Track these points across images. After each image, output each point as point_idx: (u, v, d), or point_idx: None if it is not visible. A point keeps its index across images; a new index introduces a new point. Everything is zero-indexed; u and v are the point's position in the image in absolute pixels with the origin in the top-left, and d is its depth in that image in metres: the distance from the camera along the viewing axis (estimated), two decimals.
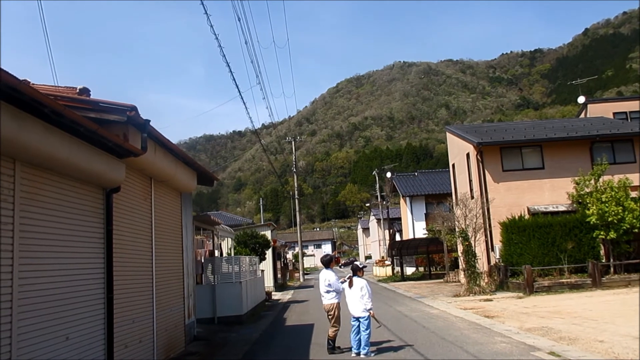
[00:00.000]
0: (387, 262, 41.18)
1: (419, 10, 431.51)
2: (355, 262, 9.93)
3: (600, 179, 19.19)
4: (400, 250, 35.39)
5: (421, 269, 38.43)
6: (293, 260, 57.56)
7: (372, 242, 67.02)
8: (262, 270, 24.27)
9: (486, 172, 22.10)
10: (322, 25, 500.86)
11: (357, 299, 9.26)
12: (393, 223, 45.78)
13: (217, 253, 18.89)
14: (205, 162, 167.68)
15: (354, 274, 9.54)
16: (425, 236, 34.21)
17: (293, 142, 48.81)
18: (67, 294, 5.85)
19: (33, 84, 7.06)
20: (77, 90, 7.79)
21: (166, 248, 10.11)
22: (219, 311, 15.34)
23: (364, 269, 9.91)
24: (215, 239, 18.87)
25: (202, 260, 15.94)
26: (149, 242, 9.02)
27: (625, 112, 27.74)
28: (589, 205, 18.60)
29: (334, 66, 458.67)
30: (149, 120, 7.18)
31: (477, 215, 21.17)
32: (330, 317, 9.78)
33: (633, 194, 18.77)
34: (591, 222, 18.49)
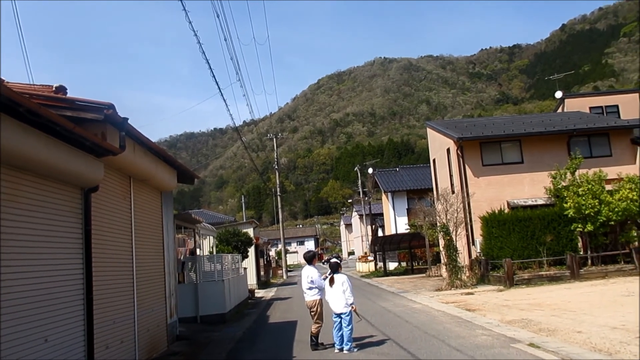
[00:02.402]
0: (370, 258, 41.38)
1: (400, 7, 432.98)
2: (333, 259, 9.91)
3: (577, 173, 19.51)
4: (382, 246, 35.59)
5: (404, 264, 38.71)
6: (276, 258, 57.50)
7: (355, 238, 67.29)
8: (245, 268, 24.20)
9: (466, 166, 22.31)
10: (303, 22, 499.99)
11: (339, 295, 9.29)
12: (375, 219, 45.99)
13: (199, 251, 18.77)
14: (186, 160, 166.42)
15: (335, 272, 9.55)
16: (407, 231, 34.44)
17: (274, 139, 48.69)
18: (45, 295, 5.76)
19: (7, 82, 6.92)
20: (54, 89, 7.66)
21: (147, 247, 10.01)
22: (202, 310, 15.26)
23: (341, 262, 9.97)
24: (197, 237, 18.74)
25: (184, 259, 15.82)
26: (129, 242, 8.92)
27: (602, 107, 28.22)
28: (567, 198, 18.90)
29: (315, 62, 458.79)
30: (127, 119, 7.09)
31: (458, 209, 21.38)
32: (313, 313, 9.79)
33: (609, 187, 19.12)
34: (569, 215, 18.80)
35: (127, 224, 8.89)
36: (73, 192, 6.65)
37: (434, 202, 24.70)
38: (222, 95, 28.36)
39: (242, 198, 76.30)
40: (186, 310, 14.76)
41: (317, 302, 9.75)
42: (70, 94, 7.44)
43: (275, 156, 48.12)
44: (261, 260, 34.77)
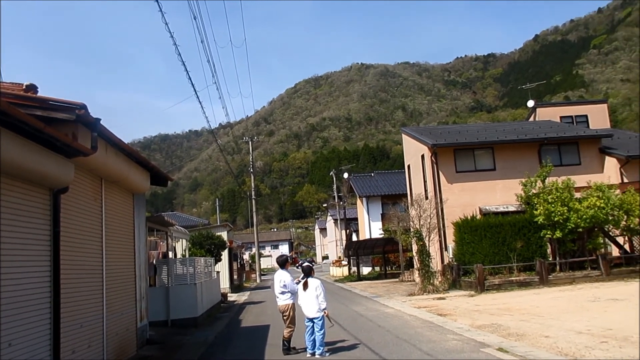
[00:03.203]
0: (344, 262, 41.47)
1: (377, 13, 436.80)
2: (306, 263, 9.88)
3: (547, 180, 19.93)
4: (356, 250, 35.71)
5: (377, 268, 38.91)
6: (250, 261, 57.14)
7: (330, 242, 67.35)
8: (218, 272, 23.99)
9: (440, 173, 22.59)
10: (281, 25, 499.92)
11: (312, 299, 9.27)
12: (350, 223, 46.15)
13: (171, 254, 18.55)
14: (160, 162, 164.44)
15: (308, 275, 9.54)
16: (381, 236, 34.65)
17: (250, 142, 48.51)
18: (9, 297, 5.61)
19: None
20: (24, 87, 7.51)
21: (117, 250, 9.86)
22: (173, 314, 15.06)
23: (314, 266, 9.99)
24: (170, 240, 18.52)
25: (155, 262, 15.61)
26: (99, 244, 8.77)
27: (572, 116, 28.93)
28: (537, 205, 19.27)
29: (293, 66, 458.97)
30: (100, 119, 6.99)
31: (431, 215, 21.62)
32: (285, 318, 9.77)
33: (577, 195, 19.57)
34: (539, 222, 19.16)
35: (97, 226, 8.74)
36: (42, 193, 6.51)
37: (408, 208, 24.93)
38: (197, 97, 28.16)
39: (217, 201, 75.68)
40: (157, 314, 14.55)
41: (290, 306, 9.74)
42: (41, 93, 7.30)
43: (250, 159, 47.94)
44: (235, 264, 34.51)
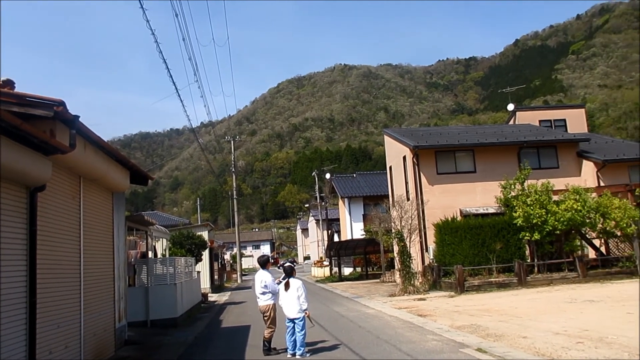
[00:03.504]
0: (326, 263, 41.49)
1: (361, 14, 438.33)
2: (287, 264, 9.86)
3: (525, 183, 20.19)
4: (338, 251, 35.76)
5: (359, 269, 39.02)
6: (231, 261, 56.85)
7: (311, 242, 67.35)
8: (199, 272, 23.81)
9: (421, 174, 22.74)
10: (264, 24, 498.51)
11: (294, 300, 9.25)
12: (332, 224, 46.21)
13: (151, 254, 18.35)
14: (141, 160, 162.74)
15: (289, 276, 9.51)
16: (362, 237, 34.74)
17: (232, 142, 48.27)
18: None
19: None
20: (0, 83, 7.34)
21: (96, 249, 9.71)
22: (153, 314, 14.90)
23: (295, 266, 9.97)
24: (150, 239, 18.31)
25: (135, 262, 15.43)
26: (77, 243, 8.64)
27: (550, 120, 29.37)
28: (516, 208, 19.51)
29: (276, 66, 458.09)
30: (79, 116, 6.88)
31: (413, 216, 21.75)
32: (266, 318, 9.73)
33: (555, 198, 19.87)
34: (518, 224, 19.40)
35: (75, 225, 8.61)
36: (18, 191, 6.38)
37: (389, 209, 25.03)
38: (179, 96, 27.98)
39: (198, 200, 75.18)
40: (136, 314, 14.38)
41: (271, 306, 9.70)
42: (18, 90, 7.15)
43: (232, 159, 47.70)
44: (216, 264, 34.29)
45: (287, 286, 9.38)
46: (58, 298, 7.64)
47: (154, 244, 19.72)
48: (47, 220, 7.31)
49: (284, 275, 9.64)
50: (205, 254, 27.58)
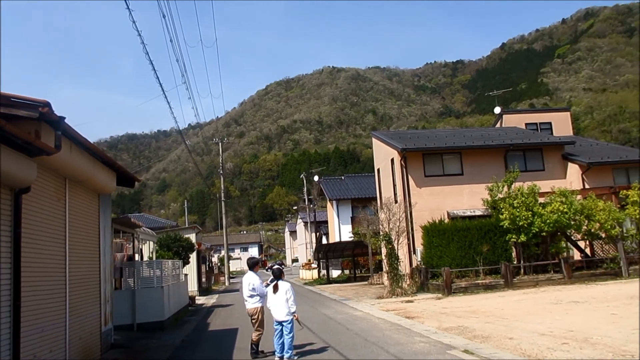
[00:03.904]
0: (314, 265, 41.47)
1: (348, 18, 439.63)
2: (276, 266, 9.85)
3: (513, 186, 20.36)
4: (326, 253, 35.76)
5: (347, 271, 39.05)
6: (219, 264, 56.59)
7: (299, 245, 67.26)
8: (186, 274, 23.67)
9: (409, 177, 22.83)
10: (253, 27, 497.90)
11: (282, 303, 9.22)
12: (320, 226, 46.18)
13: (137, 257, 18.21)
14: (128, 162, 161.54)
15: (278, 278, 9.49)
16: (351, 239, 34.79)
17: (220, 144, 48.09)
18: None
19: None
20: None
21: (81, 252, 9.61)
22: (139, 317, 14.77)
23: (283, 268, 9.96)
24: (136, 242, 18.18)
25: (121, 265, 15.30)
26: (63, 246, 8.54)
27: (536, 123, 29.67)
28: (502, 210, 19.66)
29: (264, 68, 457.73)
30: (64, 117, 6.81)
31: (400, 219, 21.82)
32: (253, 321, 9.70)
33: (541, 200, 20.05)
34: (504, 226, 19.54)
35: (60, 227, 8.51)
36: (2, 192, 6.30)
37: (377, 211, 25.10)
38: (166, 98, 27.78)
39: (185, 202, 74.60)
40: (123, 318, 14.24)
41: (258, 309, 9.68)
42: (2, 90, 7.06)
43: (220, 161, 47.51)
44: (203, 267, 34.13)
45: (275, 289, 9.36)
46: (43, 301, 7.55)
47: (140, 246, 19.57)
48: (32, 223, 7.22)
49: (271, 277, 9.62)
50: (193, 257, 27.44)
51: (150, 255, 21.62)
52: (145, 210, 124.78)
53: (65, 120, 6.89)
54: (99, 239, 10.87)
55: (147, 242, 21.52)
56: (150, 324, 14.78)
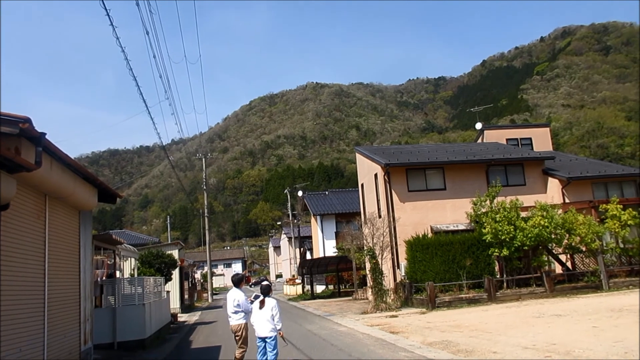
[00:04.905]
0: (298, 281, 41.25)
1: (331, 34, 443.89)
2: (264, 282, 9.77)
3: (495, 200, 20.56)
4: (310, 269, 35.60)
5: (331, 286, 38.88)
6: (202, 280, 55.95)
7: (284, 260, 66.90)
8: (168, 291, 23.35)
9: (393, 192, 22.94)
10: (237, 44, 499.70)
11: (267, 319, 9.12)
12: (304, 241, 46.03)
13: (118, 274, 17.94)
14: (109, 177, 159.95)
15: (266, 295, 9.39)
16: (335, 254, 34.71)
17: (204, 159, 47.88)
18: None
19: None
20: None
21: (61, 270, 9.45)
22: (120, 335, 14.50)
23: (269, 285, 9.88)
24: (117, 259, 17.92)
25: (101, 282, 15.06)
26: (42, 264, 8.39)
27: (517, 139, 30.13)
28: (485, 224, 19.82)
29: (248, 84, 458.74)
30: (45, 133, 6.74)
31: (384, 233, 21.86)
32: (237, 338, 9.58)
33: (523, 214, 20.27)
34: (487, 240, 19.68)
35: (40, 245, 8.37)
36: None
37: (361, 226, 25.12)
38: (149, 114, 27.63)
39: (168, 218, 73.86)
40: (103, 336, 13.98)
41: (242, 326, 9.57)
42: None
43: (204, 176, 47.25)
44: (186, 283, 33.70)
45: (262, 304, 9.26)
46: (21, 320, 7.39)
47: (122, 263, 19.30)
48: (11, 240, 7.09)
49: (255, 294, 9.54)
50: (175, 273, 27.10)
51: (132, 272, 21.32)
52: (127, 226, 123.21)
53: (46, 136, 6.82)
54: (79, 256, 10.70)
55: (129, 258, 21.24)
56: (131, 342, 14.52)
